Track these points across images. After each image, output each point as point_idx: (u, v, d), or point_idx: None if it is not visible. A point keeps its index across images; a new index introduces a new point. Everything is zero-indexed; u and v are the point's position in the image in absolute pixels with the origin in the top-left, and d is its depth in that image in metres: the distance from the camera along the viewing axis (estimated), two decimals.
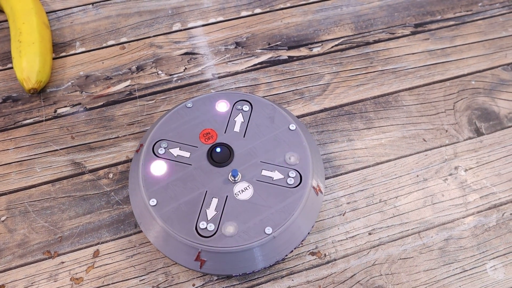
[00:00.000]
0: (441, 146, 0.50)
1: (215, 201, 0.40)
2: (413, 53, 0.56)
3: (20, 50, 0.51)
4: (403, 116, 0.52)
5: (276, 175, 0.41)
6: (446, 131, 0.51)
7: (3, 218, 0.45)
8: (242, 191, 0.40)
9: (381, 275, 0.42)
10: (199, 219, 0.39)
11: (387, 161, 0.49)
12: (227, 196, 0.40)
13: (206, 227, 0.38)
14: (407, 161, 0.49)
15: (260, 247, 0.38)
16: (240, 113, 0.44)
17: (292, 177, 0.41)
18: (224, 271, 0.39)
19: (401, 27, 0.59)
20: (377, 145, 0.50)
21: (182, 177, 0.41)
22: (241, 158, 0.42)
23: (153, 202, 0.39)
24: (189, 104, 0.45)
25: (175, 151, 0.42)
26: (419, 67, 0.55)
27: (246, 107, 0.45)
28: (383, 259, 0.43)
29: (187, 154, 0.42)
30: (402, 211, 0.46)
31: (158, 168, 0.41)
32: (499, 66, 0.56)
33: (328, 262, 0.43)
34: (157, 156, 0.42)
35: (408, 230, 0.45)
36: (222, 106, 0.45)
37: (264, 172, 0.41)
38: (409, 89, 0.54)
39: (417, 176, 0.48)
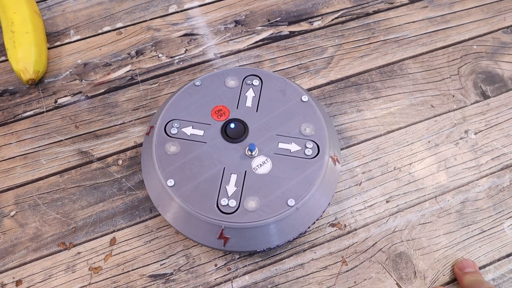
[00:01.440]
0: (449, 111, 0.50)
1: (234, 177, 0.39)
2: (413, 22, 0.56)
3: (14, 41, 0.49)
4: (409, 84, 0.51)
5: (294, 147, 0.40)
6: (453, 96, 0.51)
7: (12, 213, 0.43)
8: (261, 165, 0.39)
9: (402, 241, 0.42)
10: (220, 196, 0.38)
11: (398, 129, 0.48)
12: (245, 171, 0.39)
13: (227, 204, 0.38)
14: (417, 128, 0.48)
15: (284, 219, 0.37)
16: (251, 88, 0.43)
17: (310, 148, 0.40)
18: (248, 247, 0.38)
19: None
20: (386, 114, 0.49)
21: (198, 156, 0.40)
22: (256, 133, 0.41)
23: (170, 182, 0.38)
24: (197, 83, 0.44)
25: (188, 130, 0.41)
26: (420, 34, 0.55)
27: (256, 82, 0.44)
28: (402, 226, 0.43)
29: (200, 132, 0.41)
30: (417, 177, 0.46)
31: (172, 148, 0.40)
32: (499, 29, 0.56)
33: (349, 233, 0.43)
34: (170, 136, 0.41)
35: (425, 195, 0.45)
36: (232, 82, 0.44)
37: (281, 145, 0.40)
38: (413, 57, 0.53)
39: (429, 142, 0.48)
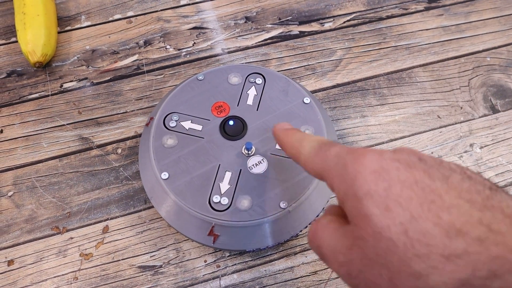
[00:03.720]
0: (456, 123, 0.49)
1: (228, 174, 0.39)
2: (427, 29, 0.55)
3: (25, 23, 0.50)
4: (417, 92, 0.50)
5: None
6: (461, 108, 0.50)
7: (10, 193, 0.44)
8: (256, 164, 0.39)
9: None
10: (213, 192, 0.38)
11: (401, 138, 0.48)
12: (240, 169, 0.39)
13: (219, 201, 0.37)
14: (421, 138, 0.48)
15: (275, 221, 0.37)
16: (253, 86, 0.43)
17: None
18: (237, 246, 0.38)
19: (415, 2, 0.57)
20: (390, 121, 0.49)
21: (194, 150, 0.40)
22: (255, 132, 0.41)
23: (165, 175, 0.38)
24: (200, 77, 0.44)
25: (187, 124, 0.41)
26: (433, 43, 0.54)
27: (259, 80, 0.44)
28: None
29: (199, 127, 0.41)
30: None
31: (170, 141, 0.40)
32: None
33: None
34: (168, 129, 0.41)
35: None
36: (234, 79, 0.44)
37: (278, 146, 0.40)
38: (423, 65, 0.52)
39: (432, 153, 0.47)
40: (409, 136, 0.48)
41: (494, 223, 0.19)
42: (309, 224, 0.39)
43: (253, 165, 0.39)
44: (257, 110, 0.42)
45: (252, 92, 0.43)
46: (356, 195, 0.21)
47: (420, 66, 0.52)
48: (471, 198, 0.20)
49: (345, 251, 0.22)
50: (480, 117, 0.49)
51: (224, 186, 0.38)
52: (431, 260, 0.19)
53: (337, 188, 0.23)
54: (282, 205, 0.37)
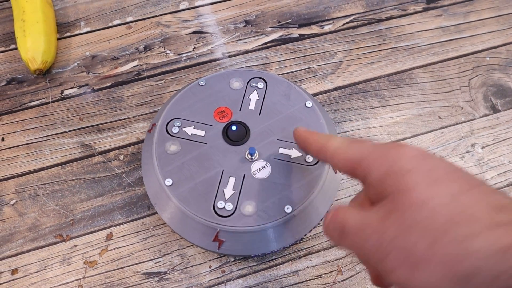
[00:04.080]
0: (457, 124, 0.49)
1: (232, 180, 0.39)
2: (426, 30, 0.55)
3: (24, 30, 0.50)
4: (417, 93, 0.50)
5: (294, 153, 0.40)
6: (462, 108, 0.50)
7: (12, 202, 0.44)
8: (260, 169, 0.39)
9: None
10: (217, 198, 0.38)
11: (403, 139, 0.48)
12: (244, 175, 0.39)
13: (224, 207, 0.37)
14: (423, 139, 0.48)
15: (280, 226, 0.37)
16: (255, 91, 0.43)
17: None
18: (242, 251, 0.38)
19: (413, 3, 0.57)
20: (392, 123, 0.49)
21: (197, 156, 0.40)
22: (258, 136, 0.41)
23: (168, 182, 0.38)
24: (202, 82, 0.44)
25: (190, 130, 0.41)
26: (432, 43, 0.54)
27: (261, 84, 0.43)
28: None
29: (201, 133, 0.41)
30: None
31: (173, 147, 0.40)
32: None
33: None
34: (171, 135, 0.41)
35: None
36: (236, 84, 0.44)
37: (282, 150, 0.40)
38: (423, 66, 0.52)
39: (434, 154, 0.47)
40: (411, 137, 0.48)
41: None
42: (314, 227, 0.39)
43: (256, 170, 0.39)
44: (259, 114, 0.42)
45: (254, 96, 0.43)
46: (401, 171, 0.23)
47: (420, 67, 0.52)
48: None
49: (377, 224, 0.23)
50: (481, 117, 0.49)
51: (228, 191, 0.38)
52: (477, 226, 0.20)
53: (376, 169, 0.24)
54: (287, 209, 0.37)
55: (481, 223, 0.20)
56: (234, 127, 0.41)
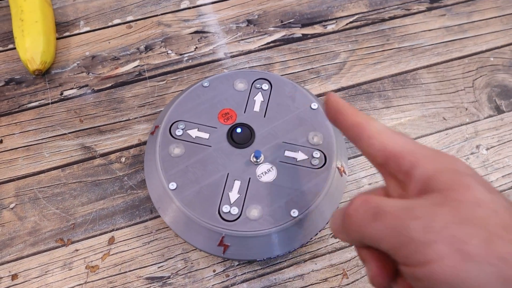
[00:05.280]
0: (461, 125, 0.48)
1: (237, 183, 0.38)
2: (429, 30, 0.55)
3: (23, 29, 0.49)
4: (422, 94, 0.50)
5: (300, 156, 0.39)
6: (466, 109, 0.49)
7: (12, 205, 0.43)
8: (265, 172, 0.38)
9: None
10: (222, 202, 0.37)
11: None
12: (249, 178, 0.38)
13: (229, 211, 0.37)
14: (427, 140, 0.47)
15: (286, 230, 0.37)
16: (260, 92, 0.42)
17: (317, 158, 0.39)
18: (248, 256, 0.37)
19: (417, 3, 0.57)
20: (396, 124, 0.48)
21: (202, 159, 0.39)
22: (263, 139, 0.40)
23: (172, 185, 0.38)
24: (205, 83, 0.43)
25: (193, 132, 0.40)
26: (436, 44, 0.54)
27: (265, 86, 0.43)
28: None
29: (206, 135, 0.40)
30: None
31: (176, 150, 0.39)
32: None
33: (351, 245, 0.42)
34: (175, 137, 0.40)
35: None
36: (240, 85, 0.43)
37: (287, 153, 0.39)
38: (427, 66, 0.52)
39: None
40: (415, 139, 0.47)
41: None
42: (319, 231, 0.39)
43: (262, 173, 0.39)
44: (264, 116, 0.41)
45: (258, 98, 0.42)
46: (459, 172, 0.23)
47: (424, 67, 0.52)
48: None
49: (426, 208, 0.22)
50: (485, 118, 0.49)
51: (234, 195, 0.37)
52: None
53: (427, 164, 0.24)
54: (293, 213, 0.37)
55: None
56: (239, 130, 0.40)
